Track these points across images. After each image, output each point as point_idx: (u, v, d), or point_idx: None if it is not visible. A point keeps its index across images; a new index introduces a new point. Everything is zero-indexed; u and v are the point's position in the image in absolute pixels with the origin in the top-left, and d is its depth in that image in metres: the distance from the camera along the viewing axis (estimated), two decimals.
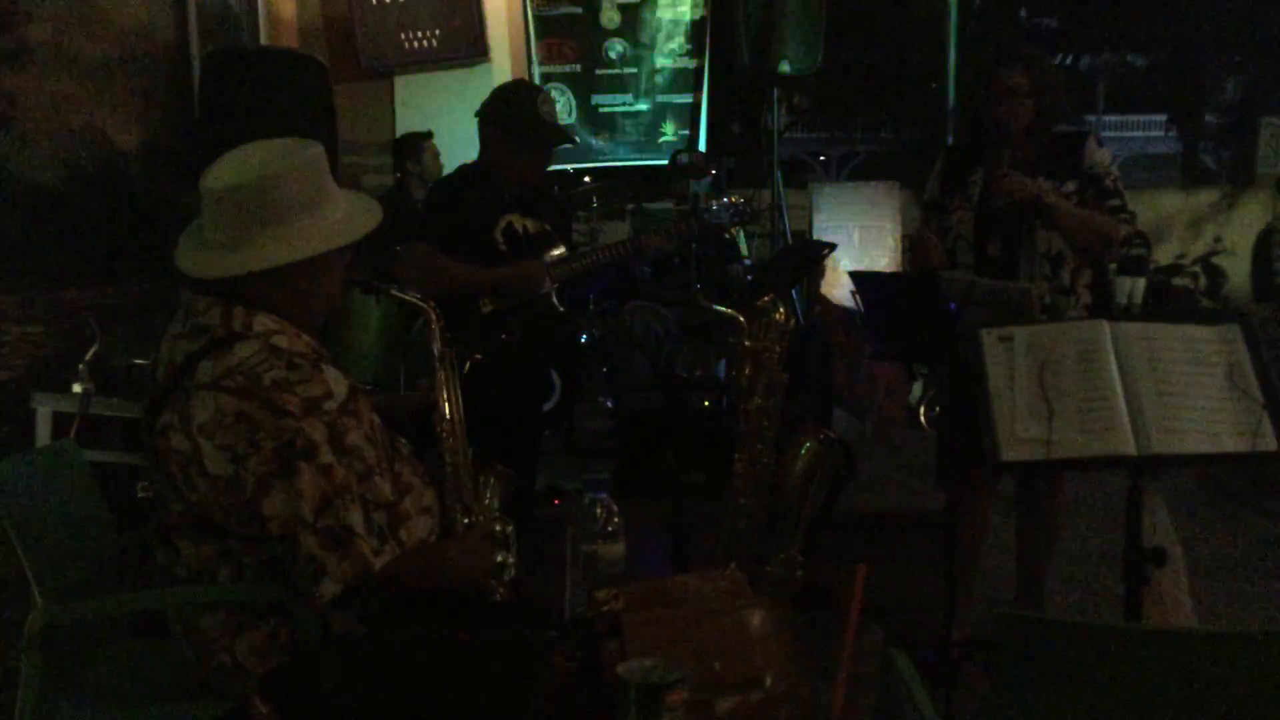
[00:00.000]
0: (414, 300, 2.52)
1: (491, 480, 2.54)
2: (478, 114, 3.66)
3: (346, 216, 2.18)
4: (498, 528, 2.44)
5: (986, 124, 3.30)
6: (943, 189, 3.44)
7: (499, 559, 2.36)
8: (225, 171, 2.10)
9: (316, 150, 2.17)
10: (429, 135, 6.08)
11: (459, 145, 5.34)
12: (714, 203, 4.07)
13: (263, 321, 2.08)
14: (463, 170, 3.76)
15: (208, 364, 2.02)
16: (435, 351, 2.46)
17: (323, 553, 1.97)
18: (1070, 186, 3.25)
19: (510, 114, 3.58)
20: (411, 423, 2.49)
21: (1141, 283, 9.65)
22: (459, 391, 2.48)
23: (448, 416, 2.44)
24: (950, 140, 6.38)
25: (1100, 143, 3.35)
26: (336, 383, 2.10)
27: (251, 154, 2.13)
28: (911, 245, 3.53)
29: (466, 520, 2.40)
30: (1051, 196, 3.19)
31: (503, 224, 3.64)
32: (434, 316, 2.47)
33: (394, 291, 2.55)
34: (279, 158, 2.11)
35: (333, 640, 2.11)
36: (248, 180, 2.07)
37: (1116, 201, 3.25)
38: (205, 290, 2.12)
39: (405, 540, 2.13)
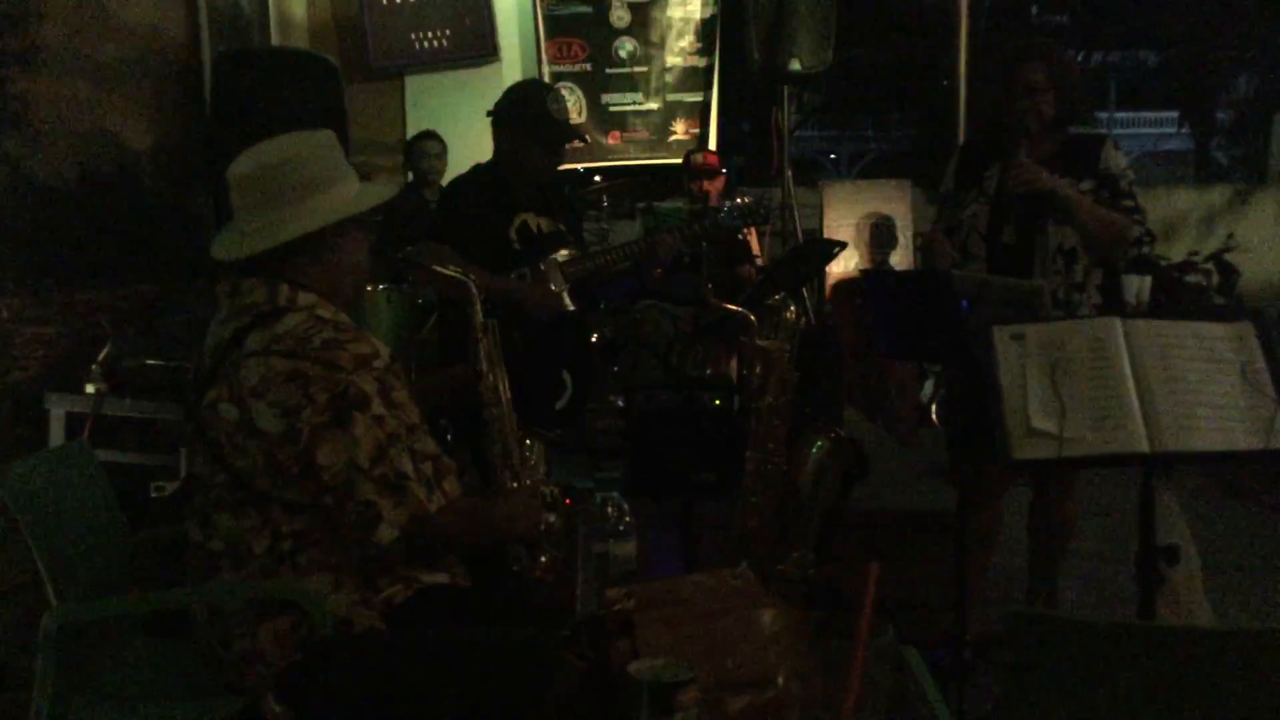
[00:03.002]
0: (453, 273, 2.58)
1: (536, 445, 2.58)
2: (489, 113, 3.68)
3: (361, 190, 2.32)
4: (546, 490, 2.52)
5: (1006, 120, 3.29)
6: (957, 183, 3.43)
7: (549, 520, 2.45)
8: (248, 159, 2.24)
9: (328, 134, 2.33)
10: (435, 135, 6.08)
11: (469, 145, 5.36)
12: (726, 203, 4.07)
13: (307, 297, 2.19)
14: (476, 170, 3.77)
15: (256, 334, 2.12)
16: (476, 322, 2.50)
17: (379, 498, 2.06)
18: (1087, 185, 3.24)
19: (521, 113, 3.60)
20: (453, 400, 2.60)
21: (1149, 281, 9.58)
22: (501, 360, 2.53)
23: (492, 384, 2.48)
24: (962, 137, 6.36)
25: (1117, 146, 3.34)
26: (381, 347, 2.22)
27: (270, 143, 2.27)
28: (924, 246, 3.52)
29: (515, 485, 2.46)
30: (1068, 190, 3.18)
31: (517, 223, 3.65)
32: (473, 288, 2.51)
33: (434, 267, 2.61)
34: (296, 143, 2.27)
35: (347, 639, 2.11)
36: (269, 163, 2.21)
37: (1130, 203, 3.25)
38: (248, 274, 2.22)
39: (449, 492, 2.23)
